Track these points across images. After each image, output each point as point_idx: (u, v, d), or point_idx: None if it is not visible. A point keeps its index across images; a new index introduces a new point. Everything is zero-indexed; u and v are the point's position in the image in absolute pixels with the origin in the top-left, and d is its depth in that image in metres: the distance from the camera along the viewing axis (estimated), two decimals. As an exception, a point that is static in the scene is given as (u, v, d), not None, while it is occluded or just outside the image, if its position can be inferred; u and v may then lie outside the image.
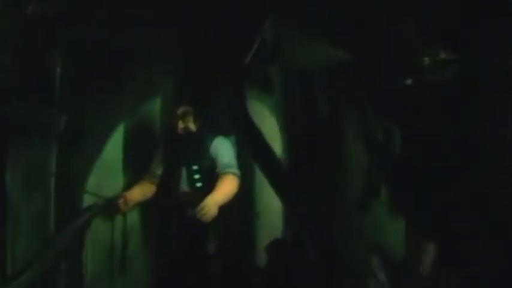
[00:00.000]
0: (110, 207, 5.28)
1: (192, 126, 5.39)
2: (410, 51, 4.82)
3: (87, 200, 5.41)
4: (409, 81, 4.83)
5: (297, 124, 5.76)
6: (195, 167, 5.28)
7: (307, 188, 5.44)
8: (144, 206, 5.55)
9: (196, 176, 5.24)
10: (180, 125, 5.34)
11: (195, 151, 5.32)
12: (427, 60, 4.69)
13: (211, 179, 5.24)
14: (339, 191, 5.39)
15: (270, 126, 5.86)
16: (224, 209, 5.11)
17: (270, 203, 5.81)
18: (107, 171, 5.66)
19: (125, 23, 5.20)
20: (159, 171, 5.43)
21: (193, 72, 5.62)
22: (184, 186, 5.31)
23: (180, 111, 5.38)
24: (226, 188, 5.18)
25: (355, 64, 5.14)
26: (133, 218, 5.59)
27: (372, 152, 5.23)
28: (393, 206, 5.03)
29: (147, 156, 5.59)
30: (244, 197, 5.48)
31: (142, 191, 5.41)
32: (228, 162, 5.29)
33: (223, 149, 5.34)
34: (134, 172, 5.71)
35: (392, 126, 5.15)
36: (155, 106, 5.90)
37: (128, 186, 5.61)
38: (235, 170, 5.31)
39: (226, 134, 5.49)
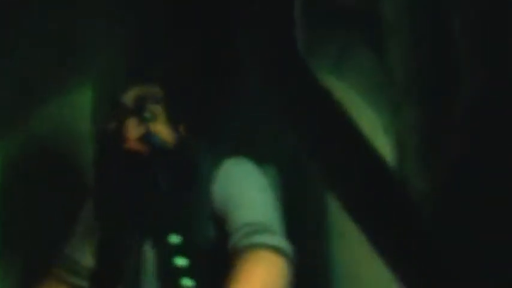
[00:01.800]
0: None
1: (163, 133, 2.76)
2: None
3: None
4: None
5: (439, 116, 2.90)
6: (174, 240, 2.67)
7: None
8: None
9: (180, 263, 2.65)
10: (133, 132, 2.70)
11: (174, 198, 2.70)
12: None
13: (214, 265, 2.64)
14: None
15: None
16: None
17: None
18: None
19: None
20: (86, 259, 2.84)
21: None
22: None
23: (131, 95, 2.72)
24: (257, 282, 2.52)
25: None
26: None
27: None
28: None
29: (55, 220, 3.11)
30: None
31: None
32: (259, 220, 2.62)
33: (247, 188, 2.70)
34: (24, 262, 3.27)
35: None
36: (79, 99, 3.37)
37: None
38: (278, 238, 2.61)
39: (255, 154, 2.83)
